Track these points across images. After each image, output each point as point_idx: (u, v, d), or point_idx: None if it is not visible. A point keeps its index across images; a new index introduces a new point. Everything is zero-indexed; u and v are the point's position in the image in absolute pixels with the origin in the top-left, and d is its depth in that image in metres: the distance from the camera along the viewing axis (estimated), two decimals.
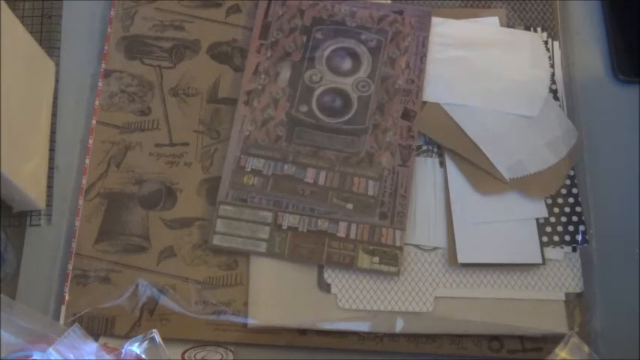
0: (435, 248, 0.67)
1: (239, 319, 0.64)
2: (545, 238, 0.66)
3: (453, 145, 0.69)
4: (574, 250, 0.67)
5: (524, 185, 0.68)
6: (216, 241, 0.65)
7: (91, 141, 0.69)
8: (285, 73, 0.71)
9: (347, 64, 0.72)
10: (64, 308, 0.64)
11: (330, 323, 0.64)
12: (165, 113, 0.71)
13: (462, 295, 0.65)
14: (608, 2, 0.78)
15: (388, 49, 0.72)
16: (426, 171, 0.69)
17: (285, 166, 0.68)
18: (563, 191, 0.68)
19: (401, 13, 0.74)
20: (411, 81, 0.71)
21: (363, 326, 0.64)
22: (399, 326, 0.64)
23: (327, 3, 0.74)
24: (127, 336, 0.61)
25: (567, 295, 0.65)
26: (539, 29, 0.75)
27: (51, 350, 0.54)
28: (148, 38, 0.74)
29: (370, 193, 0.67)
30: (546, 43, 0.74)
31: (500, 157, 0.68)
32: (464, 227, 0.66)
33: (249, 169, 0.68)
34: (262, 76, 0.71)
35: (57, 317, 0.64)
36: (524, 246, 0.66)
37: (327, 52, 0.72)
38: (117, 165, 0.69)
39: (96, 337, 0.62)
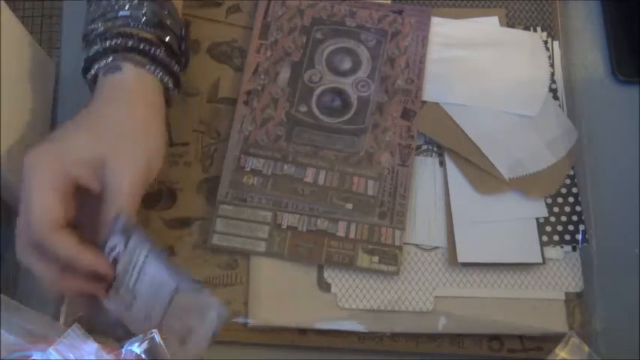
0: (435, 247, 0.66)
1: (239, 319, 0.64)
2: (545, 238, 0.66)
3: (453, 144, 0.69)
4: (574, 249, 0.67)
5: (523, 185, 0.68)
6: (216, 240, 0.65)
7: None
8: (285, 73, 0.71)
9: (346, 63, 0.72)
10: (64, 308, 0.64)
11: (330, 323, 0.64)
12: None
13: (462, 294, 0.65)
14: (608, 2, 0.78)
15: (388, 49, 0.72)
16: (426, 170, 0.69)
17: (285, 166, 0.68)
18: (563, 190, 0.68)
19: (400, 12, 0.74)
20: (411, 81, 0.71)
21: (362, 326, 0.64)
22: (399, 326, 0.64)
23: (327, 3, 0.74)
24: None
25: (567, 294, 0.65)
26: (538, 29, 0.75)
27: (51, 350, 0.54)
28: None
29: (370, 192, 0.67)
30: (546, 42, 0.74)
31: (500, 156, 0.68)
32: (464, 226, 0.66)
33: (248, 169, 0.68)
34: (262, 76, 0.71)
35: (57, 317, 0.64)
36: (524, 245, 0.66)
37: (326, 52, 0.72)
38: None
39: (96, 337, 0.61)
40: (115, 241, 0.55)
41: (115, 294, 0.56)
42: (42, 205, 0.54)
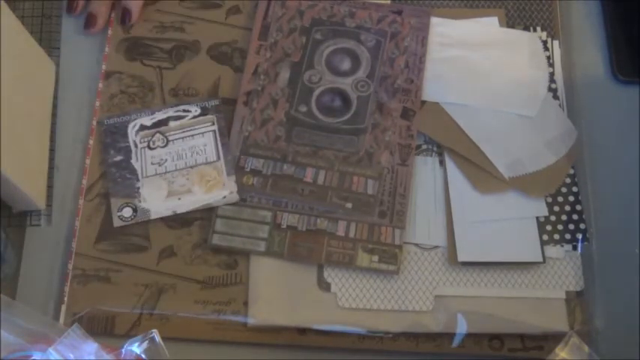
0: (435, 247, 0.66)
1: (239, 319, 0.64)
2: (545, 237, 0.66)
3: (453, 144, 0.69)
4: (574, 248, 0.66)
5: (523, 184, 0.68)
6: (216, 240, 0.65)
7: (91, 141, 0.69)
8: (285, 74, 0.72)
9: (346, 64, 0.72)
10: (64, 308, 0.64)
11: (330, 322, 0.64)
12: None
13: (462, 293, 0.65)
14: (608, 2, 0.78)
15: (387, 49, 0.73)
16: (426, 170, 0.69)
17: (285, 166, 0.68)
18: (564, 190, 0.68)
19: (400, 13, 0.74)
20: (410, 80, 0.71)
21: (362, 326, 0.64)
22: (399, 326, 0.64)
23: (327, 4, 0.74)
24: (127, 336, 0.61)
25: (568, 293, 0.65)
26: (538, 29, 0.75)
27: (51, 350, 0.54)
28: (148, 40, 0.74)
29: (369, 192, 0.67)
30: (546, 42, 0.74)
31: (500, 156, 0.68)
32: (464, 226, 0.66)
33: (248, 169, 0.68)
34: (262, 76, 0.71)
35: (57, 317, 0.64)
36: (525, 244, 0.66)
37: (326, 53, 0.73)
38: None
39: (96, 337, 0.61)
40: None
41: None
42: None
